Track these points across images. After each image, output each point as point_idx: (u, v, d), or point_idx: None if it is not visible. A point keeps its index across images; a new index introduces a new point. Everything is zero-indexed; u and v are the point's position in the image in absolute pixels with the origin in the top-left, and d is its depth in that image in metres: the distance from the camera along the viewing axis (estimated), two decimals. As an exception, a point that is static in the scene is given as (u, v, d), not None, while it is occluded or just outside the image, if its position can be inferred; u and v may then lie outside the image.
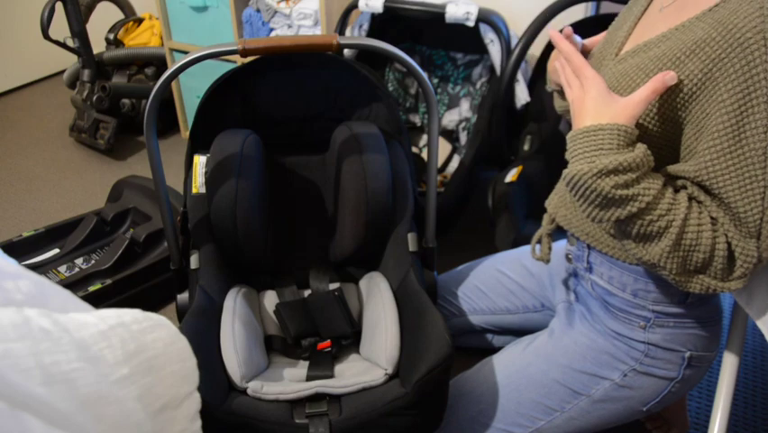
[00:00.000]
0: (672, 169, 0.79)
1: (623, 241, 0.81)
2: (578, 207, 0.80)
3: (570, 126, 0.87)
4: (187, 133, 2.16)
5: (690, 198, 0.76)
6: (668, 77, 0.73)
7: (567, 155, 0.79)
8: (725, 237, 0.74)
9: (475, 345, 1.28)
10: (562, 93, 1.04)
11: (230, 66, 1.38)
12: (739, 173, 0.71)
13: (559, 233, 1.03)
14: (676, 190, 0.78)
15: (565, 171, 0.78)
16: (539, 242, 1.03)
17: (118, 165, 2.37)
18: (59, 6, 2.17)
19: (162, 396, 0.59)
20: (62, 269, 1.68)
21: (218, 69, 2.16)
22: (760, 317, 0.85)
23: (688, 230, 0.73)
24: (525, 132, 1.77)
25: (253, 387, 0.93)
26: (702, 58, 0.71)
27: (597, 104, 0.77)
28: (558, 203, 1.01)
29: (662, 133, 0.78)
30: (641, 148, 0.74)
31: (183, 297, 1.10)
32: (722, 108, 0.70)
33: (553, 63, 0.97)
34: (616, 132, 0.74)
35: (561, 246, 1.08)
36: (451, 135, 2.04)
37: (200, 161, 1.16)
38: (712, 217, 0.75)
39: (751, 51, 0.67)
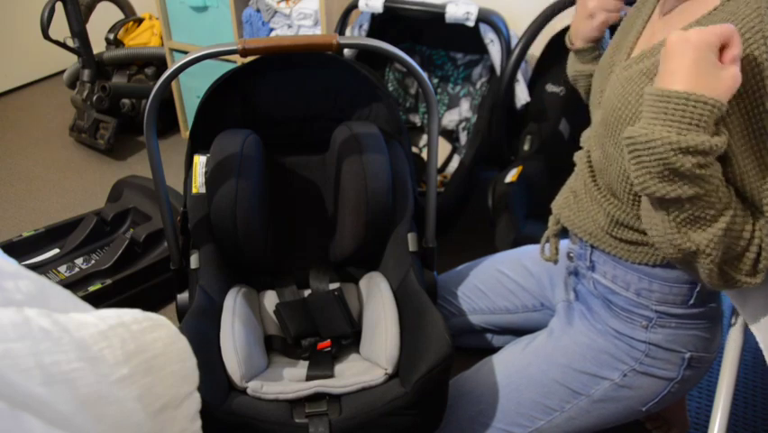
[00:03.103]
0: None
1: (654, 228, 0.75)
2: (634, 167, 0.71)
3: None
4: (187, 133, 2.16)
5: None
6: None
7: (647, 110, 0.69)
8: (760, 230, 0.72)
9: (475, 344, 1.28)
10: (584, 52, 1.06)
11: (230, 66, 1.38)
12: (760, 168, 0.71)
13: (565, 232, 1.03)
14: None
15: (638, 130, 0.69)
16: (548, 242, 1.04)
17: (118, 165, 2.37)
18: (59, 6, 2.17)
19: (162, 396, 0.59)
20: (62, 269, 1.68)
21: (218, 69, 2.16)
22: (753, 321, 0.85)
23: (737, 218, 0.71)
24: (525, 132, 1.77)
25: (253, 387, 0.93)
26: None
27: (702, 66, 0.66)
28: (562, 204, 1.01)
29: None
30: (724, 139, 0.68)
31: (183, 297, 1.10)
32: (732, 110, 0.69)
33: (589, 7, 0.99)
34: (717, 110, 0.66)
35: (562, 245, 1.08)
36: (451, 135, 2.04)
37: (200, 161, 1.16)
38: (750, 212, 0.74)
39: (752, 51, 0.67)
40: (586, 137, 0.97)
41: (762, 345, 0.84)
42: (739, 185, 0.73)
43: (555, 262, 1.04)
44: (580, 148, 0.98)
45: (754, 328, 0.85)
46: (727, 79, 0.65)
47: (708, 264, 0.73)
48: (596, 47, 1.05)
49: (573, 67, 1.09)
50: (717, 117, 0.67)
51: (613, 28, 0.99)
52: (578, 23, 1.03)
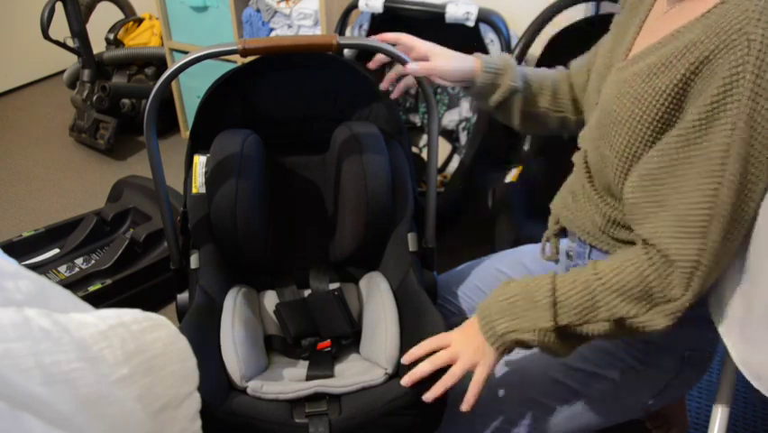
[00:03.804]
0: (639, 170, 0.79)
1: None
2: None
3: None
4: (187, 133, 2.16)
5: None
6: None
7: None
8: (649, 260, 0.76)
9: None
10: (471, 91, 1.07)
11: (230, 66, 1.38)
12: (698, 164, 0.72)
13: (565, 232, 1.03)
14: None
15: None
16: (549, 241, 1.04)
17: (118, 165, 2.37)
18: (59, 6, 2.17)
19: (162, 396, 0.59)
20: (62, 269, 1.68)
21: (218, 69, 2.16)
22: (724, 327, 0.84)
23: (616, 280, 0.78)
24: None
25: (253, 386, 0.93)
26: (691, 59, 0.72)
27: (465, 337, 0.86)
28: (561, 204, 1.01)
29: (655, 139, 0.78)
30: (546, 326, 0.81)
31: (183, 297, 1.10)
32: (700, 102, 0.71)
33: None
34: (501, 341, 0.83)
35: (562, 244, 1.08)
36: (451, 135, 2.04)
37: (200, 160, 1.16)
38: (644, 240, 0.78)
39: (734, 52, 0.68)
40: (584, 138, 0.97)
41: (731, 353, 0.83)
42: (669, 180, 0.75)
43: (556, 261, 1.04)
44: (579, 148, 0.99)
45: (723, 334, 0.85)
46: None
47: (633, 321, 0.79)
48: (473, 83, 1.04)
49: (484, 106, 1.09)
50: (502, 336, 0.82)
51: (606, 26, 0.99)
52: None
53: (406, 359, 0.89)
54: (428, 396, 0.85)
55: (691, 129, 0.72)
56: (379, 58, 1.08)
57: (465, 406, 0.86)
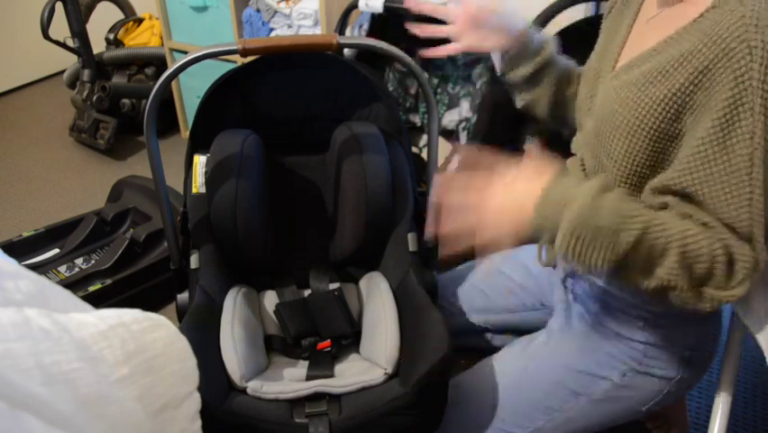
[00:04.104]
0: (653, 183, 0.78)
1: (630, 280, 0.78)
2: (581, 265, 0.77)
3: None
4: (187, 133, 2.16)
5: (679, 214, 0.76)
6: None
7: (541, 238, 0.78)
8: (721, 242, 0.72)
9: (475, 344, 1.28)
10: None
11: (230, 66, 1.38)
12: (725, 181, 0.71)
13: None
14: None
15: (557, 248, 0.76)
16: (544, 247, 1.04)
17: (118, 165, 2.37)
18: (59, 6, 2.17)
19: (162, 396, 0.59)
20: (62, 269, 1.68)
21: (218, 69, 2.16)
22: (759, 331, 0.85)
23: (688, 241, 0.72)
24: (525, 132, 1.77)
25: (253, 386, 0.93)
26: (690, 69, 0.72)
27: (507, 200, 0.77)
28: None
29: (653, 148, 0.78)
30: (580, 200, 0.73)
31: (183, 297, 1.10)
32: (710, 116, 0.70)
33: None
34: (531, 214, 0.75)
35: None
36: (451, 135, 2.04)
37: (200, 160, 1.16)
38: (703, 223, 0.74)
39: (737, 60, 0.68)
40: (578, 144, 0.96)
41: (766, 354, 0.83)
42: (700, 197, 0.73)
43: (554, 266, 1.04)
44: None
45: (760, 337, 0.85)
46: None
47: (678, 294, 0.75)
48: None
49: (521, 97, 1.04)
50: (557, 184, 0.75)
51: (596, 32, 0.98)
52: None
53: (435, 197, 0.82)
54: (443, 253, 0.81)
55: (708, 144, 0.71)
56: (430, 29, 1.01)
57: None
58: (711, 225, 0.73)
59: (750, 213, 0.71)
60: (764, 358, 0.84)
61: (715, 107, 0.70)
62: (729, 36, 0.68)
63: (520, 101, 1.07)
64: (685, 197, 0.75)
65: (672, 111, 0.74)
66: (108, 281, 1.56)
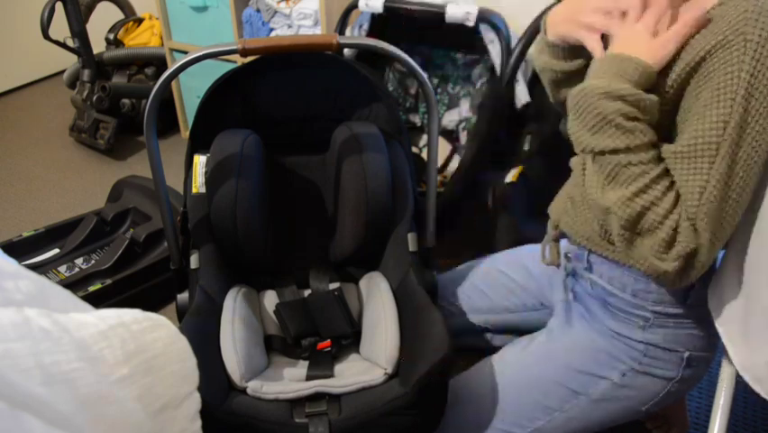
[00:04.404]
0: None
1: (590, 188, 0.82)
2: (572, 121, 0.81)
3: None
4: (187, 133, 2.16)
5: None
6: (696, 15, 0.74)
7: (593, 75, 0.80)
8: (678, 214, 0.75)
9: (475, 344, 1.28)
10: (557, 48, 0.98)
11: (230, 66, 1.38)
12: (689, 159, 0.74)
13: (564, 234, 1.03)
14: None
15: (578, 86, 0.78)
16: (548, 246, 1.04)
17: (118, 165, 2.37)
18: (59, 6, 2.17)
19: (162, 396, 0.59)
20: (62, 269, 1.68)
21: (218, 69, 2.16)
22: (727, 336, 0.85)
23: (656, 186, 0.75)
24: (525, 132, 1.77)
25: (253, 386, 0.93)
26: (687, 59, 0.74)
27: (632, 38, 0.78)
28: (560, 210, 1.01)
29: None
30: (654, 98, 0.75)
31: (183, 297, 1.10)
32: (698, 103, 0.73)
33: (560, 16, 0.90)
34: (641, 68, 0.75)
35: (561, 246, 1.08)
36: (451, 135, 2.04)
37: (200, 160, 1.16)
38: (679, 193, 0.77)
39: (730, 51, 0.70)
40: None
41: (734, 360, 0.84)
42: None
43: (558, 265, 1.04)
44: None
45: (726, 343, 0.85)
46: (655, 47, 0.75)
47: (618, 230, 0.78)
48: (570, 49, 0.97)
49: (541, 58, 1.00)
50: (646, 77, 0.75)
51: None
52: (566, 23, 0.91)
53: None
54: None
55: (692, 129, 0.73)
56: None
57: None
58: (684, 197, 0.75)
59: (699, 203, 0.73)
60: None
61: (703, 95, 0.73)
62: (729, 29, 0.70)
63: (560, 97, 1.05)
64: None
65: (671, 100, 0.77)
66: (108, 281, 1.56)
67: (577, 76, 0.95)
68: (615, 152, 0.76)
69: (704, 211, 0.73)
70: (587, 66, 0.95)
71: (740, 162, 0.72)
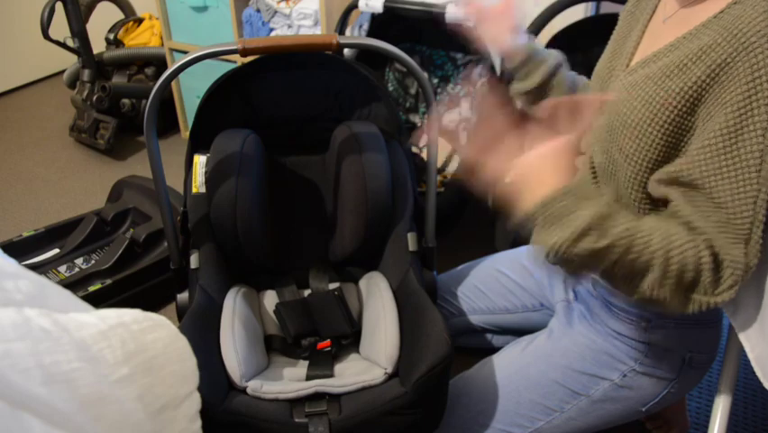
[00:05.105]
0: (662, 172, 0.77)
1: (615, 285, 0.79)
2: (567, 271, 0.79)
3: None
4: (187, 133, 2.16)
5: (669, 217, 0.75)
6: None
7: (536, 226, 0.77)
8: (708, 250, 0.71)
9: (475, 344, 1.28)
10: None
11: (230, 66, 1.38)
12: (733, 175, 0.70)
13: None
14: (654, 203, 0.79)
15: (542, 245, 0.76)
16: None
17: (118, 165, 2.37)
18: (59, 6, 2.17)
19: (162, 396, 0.59)
20: (62, 269, 1.68)
21: (218, 69, 2.16)
22: (743, 330, 0.84)
23: (672, 254, 0.71)
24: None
25: (253, 386, 0.93)
26: (708, 63, 0.71)
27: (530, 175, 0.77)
28: None
29: (666, 142, 0.77)
30: (597, 203, 0.73)
31: (183, 297, 1.10)
32: (724, 109, 0.70)
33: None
34: (560, 194, 0.73)
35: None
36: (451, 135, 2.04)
37: (200, 160, 1.16)
38: (693, 228, 0.73)
39: (755, 55, 0.67)
40: (587, 143, 0.96)
41: (749, 355, 0.83)
42: (707, 190, 0.72)
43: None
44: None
45: (743, 337, 0.85)
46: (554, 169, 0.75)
47: (667, 302, 0.74)
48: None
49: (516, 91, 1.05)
50: (572, 199, 0.72)
51: (605, 25, 0.99)
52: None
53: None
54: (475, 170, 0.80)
55: (720, 138, 0.70)
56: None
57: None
58: (702, 230, 0.72)
59: (754, 211, 0.70)
60: (752, 366, 0.84)
61: (730, 101, 0.69)
62: (750, 30, 0.68)
63: (525, 107, 1.07)
64: (690, 189, 0.74)
65: (688, 105, 0.74)
66: (108, 281, 1.56)
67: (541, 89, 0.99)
68: (616, 263, 0.73)
69: (759, 219, 0.70)
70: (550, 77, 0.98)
71: None
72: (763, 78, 0.67)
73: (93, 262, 1.70)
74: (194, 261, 1.11)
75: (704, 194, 0.73)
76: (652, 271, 0.72)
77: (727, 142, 0.70)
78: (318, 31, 2.00)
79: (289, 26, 2.05)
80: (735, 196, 0.71)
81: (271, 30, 2.09)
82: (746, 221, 0.71)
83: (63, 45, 2.27)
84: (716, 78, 0.71)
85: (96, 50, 2.36)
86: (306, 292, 1.21)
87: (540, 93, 1.04)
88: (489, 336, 1.27)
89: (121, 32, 2.57)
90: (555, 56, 1.03)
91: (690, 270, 0.71)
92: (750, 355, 0.83)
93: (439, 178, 1.96)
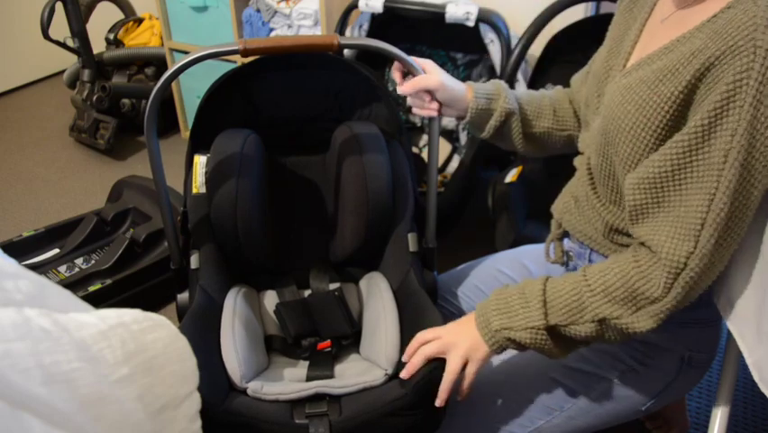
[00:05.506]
0: (637, 171, 0.79)
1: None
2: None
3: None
4: (187, 133, 2.16)
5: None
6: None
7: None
8: (634, 259, 0.78)
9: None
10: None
11: (230, 66, 1.38)
12: (698, 171, 0.72)
13: (567, 233, 1.03)
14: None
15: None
16: (552, 245, 1.04)
17: (118, 165, 2.37)
18: (59, 6, 2.17)
19: (162, 396, 0.59)
20: (62, 269, 1.68)
21: (218, 69, 2.16)
22: (740, 335, 0.84)
23: (610, 290, 0.79)
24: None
25: (253, 387, 0.93)
26: (696, 66, 0.72)
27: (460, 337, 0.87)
28: (563, 208, 1.01)
29: (660, 145, 0.78)
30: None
31: (183, 297, 1.10)
32: (702, 108, 0.71)
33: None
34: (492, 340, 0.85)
35: (564, 244, 1.08)
36: (451, 135, 2.05)
37: (200, 160, 1.16)
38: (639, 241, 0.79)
39: (740, 57, 0.68)
40: (584, 143, 0.96)
41: (747, 360, 0.84)
42: (670, 184, 0.75)
43: (563, 264, 1.04)
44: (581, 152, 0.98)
45: (740, 342, 0.85)
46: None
47: (641, 327, 0.79)
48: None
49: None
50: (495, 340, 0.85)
51: (606, 26, 0.98)
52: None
53: (404, 357, 0.90)
54: (438, 402, 0.86)
55: (693, 135, 0.72)
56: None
57: (460, 397, 0.88)
58: (646, 242, 0.78)
59: (708, 209, 0.71)
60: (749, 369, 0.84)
61: (709, 100, 0.71)
62: (738, 34, 0.68)
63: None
64: (659, 185, 0.76)
65: (678, 108, 0.75)
66: (108, 281, 1.56)
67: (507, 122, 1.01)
68: (593, 333, 0.81)
69: (711, 223, 0.71)
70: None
71: (750, 169, 0.70)
72: (744, 81, 0.68)
73: (93, 262, 1.70)
74: (194, 261, 1.11)
75: (669, 186, 0.75)
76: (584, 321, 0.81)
77: (699, 139, 0.72)
78: (318, 31, 2.00)
79: (289, 26, 2.05)
80: (696, 190, 0.72)
81: (271, 30, 2.09)
82: (699, 217, 0.72)
83: (63, 45, 2.27)
84: (702, 79, 0.72)
85: (96, 50, 2.36)
86: (307, 293, 1.21)
87: (500, 134, 1.04)
88: (489, 336, 1.27)
89: (121, 32, 2.57)
90: (503, 106, 1.00)
91: (617, 287, 0.78)
92: (748, 361, 0.83)
93: (439, 178, 1.96)
